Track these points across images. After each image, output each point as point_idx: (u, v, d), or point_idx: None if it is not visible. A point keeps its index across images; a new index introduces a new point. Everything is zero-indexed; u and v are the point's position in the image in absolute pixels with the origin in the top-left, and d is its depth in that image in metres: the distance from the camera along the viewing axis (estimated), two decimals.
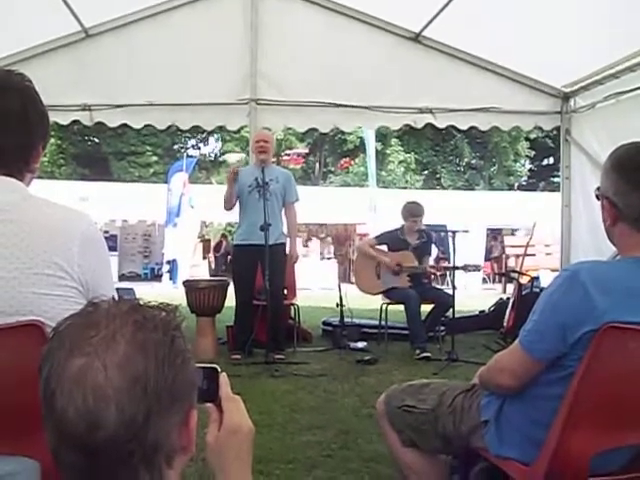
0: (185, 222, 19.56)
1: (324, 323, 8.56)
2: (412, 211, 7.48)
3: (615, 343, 1.81)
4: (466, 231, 8.07)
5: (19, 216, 1.53)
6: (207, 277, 18.35)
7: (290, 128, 8.94)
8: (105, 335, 0.92)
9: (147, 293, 11.46)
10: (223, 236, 25.73)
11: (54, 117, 6.86)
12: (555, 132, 8.37)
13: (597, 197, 2.04)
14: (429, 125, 7.88)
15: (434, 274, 8.42)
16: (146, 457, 0.92)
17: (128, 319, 0.94)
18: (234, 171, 6.71)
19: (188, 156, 25.14)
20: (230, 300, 6.99)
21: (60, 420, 0.89)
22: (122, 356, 0.90)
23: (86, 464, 0.90)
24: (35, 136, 1.67)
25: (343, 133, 28.78)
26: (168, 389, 0.92)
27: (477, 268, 7.96)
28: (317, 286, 16.94)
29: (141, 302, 1.00)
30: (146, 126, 7.84)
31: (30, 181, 1.70)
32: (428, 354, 6.79)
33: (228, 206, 6.84)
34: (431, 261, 8.46)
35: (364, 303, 8.32)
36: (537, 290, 7.67)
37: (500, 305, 8.90)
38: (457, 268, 7.25)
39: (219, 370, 1.22)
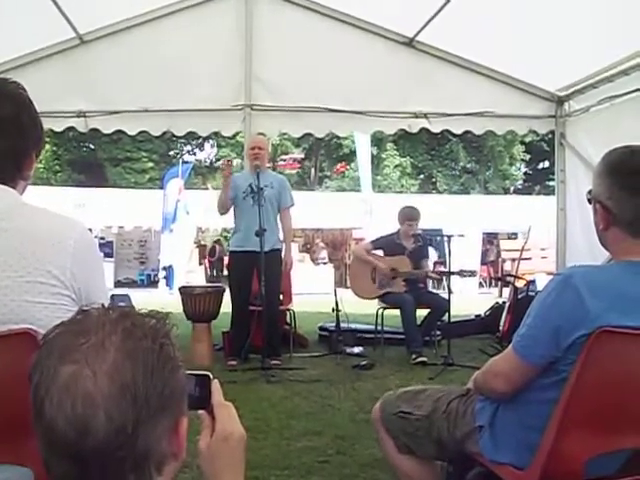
0: (181, 228, 19.54)
1: (320, 328, 8.56)
2: (408, 215, 7.48)
3: (608, 347, 1.81)
4: (462, 235, 8.08)
5: (11, 224, 1.52)
6: (203, 283, 18.34)
7: (285, 133, 8.96)
8: (94, 343, 0.92)
9: (143, 299, 11.44)
10: (216, 242, 25.72)
11: (49, 124, 6.87)
12: (550, 136, 8.39)
13: (589, 201, 2.04)
14: (424, 129, 7.89)
15: (434, 278, 8.38)
16: (136, 464, 0.92)
17: (117, 327, 0.94)
18: (229, 163, 6.70)
19: (184, 162, 25.15)
20: (226, 306, 6.98)
21: (50, 427, 0.89)
22: (111, 364, 0.90)
23: (76, 471, 0.90)
24: (28, 143, 1.67)
25: (338, 138, 28.86)
26: (157, 396, 0.92)
27: (472, 274, 7.95)
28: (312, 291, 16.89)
29: (131, 309, 1.00)
30: (141, 132, 7.84)
31: (24, 189, 1.70)
32: (424, 359, 6.79)
33: (222, 210, 6.82)
34: (430, 265, 8.43)
35: (360, 308, 8.31)
36: (533, 294, 7.67)
37: (496, 309, 8.91)
38: (452, 273, 7.24)
39: (211, 377, 1.22)
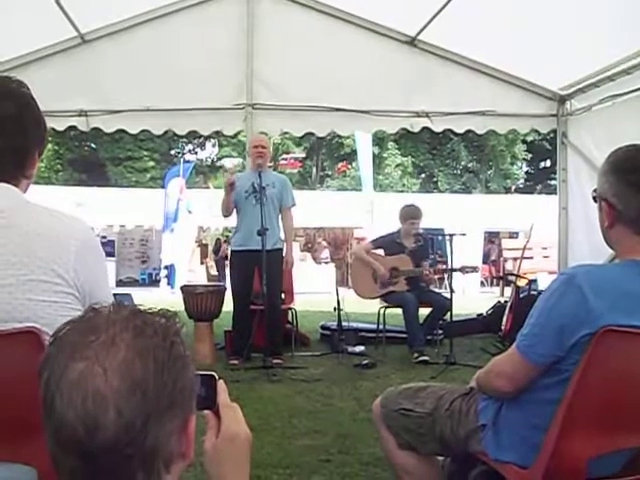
0: (182, 227, 19.55)
1: (322, 327, 8.56)
2: (411, 213, 7.47)
3: (612, 346, 1.81)
4: (463, 234, 8.06)
5: (15, 222, 1.52)
6: (205, 282, 18.35)
7: (287, 132, 8.94)
8: (105, 340, 0.92)
9: (145, 298, 11.45)
10: (223, 240, 25.70)
11: (50, 123, 6.85)
12: (552, 135, 8.38)
13: (594, 199, 2.04)
14: (426, 129, 7.89)
15: (433, 279, 8.30)
16: (145, 462, 0.92)
17: (128, 324, 0.95)
18: (230, 182, 6.67)
19: (185, 161, 25.18)
20: (228, 305, 6.98)
21: (59, 424, 0.89)
22: (122, 361, 0.90)
23: (85, 468, 0.90)
24: (31, 142, 1.67)
25: (340, 137, 28.87)
26: (167, 394, 0.92)
27: (475, 269, 7.95)
28: (314, 290, 16.90)
29: (141, 308, 1.01)
30: (143, 131, 7.83)
31: (26, 188, 1.70)
32: (426, 357, 6.79)
33: (226, 214, 6.85)
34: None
35: (362, 307, 8.31)
36: (535, 293, 7.68)
37: (498, 308, 8.90)
38: (454, 270, 7.25)
39: (217, 377, 1.22)
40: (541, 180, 36.88)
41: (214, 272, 23.95)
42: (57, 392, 0.89)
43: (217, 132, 8.36)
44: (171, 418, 0.94)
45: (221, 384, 1.23)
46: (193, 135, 25.55)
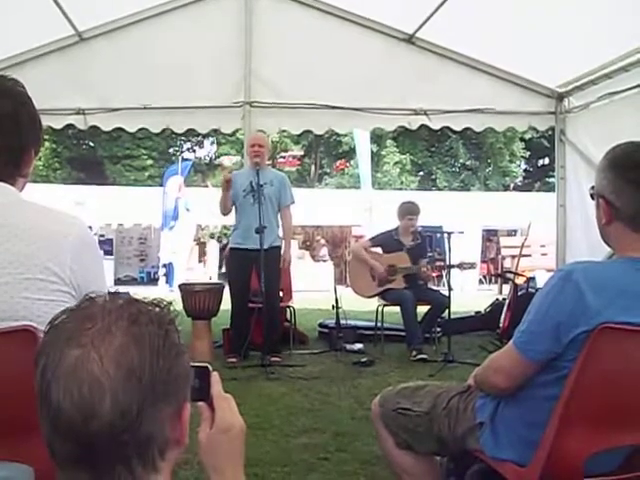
0: (181, 225, 19.53)
1: (320, 325, 8.56)
2: (409, 209, 7.47)
3: (609, 343, 1.81)
4: (461, 232, 8.07)
5: (11, 220, 1.52)
6: (203, 280, 18.32)
7: (285, 130, 8.94)
8: (101, 327, 0.93)
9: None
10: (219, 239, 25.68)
11: (48, 121, 6.88)
12: (550, 132, 8.37)
13: (592, 196, 2.03)
14: (424, 126, 7.88)
15: (430, 276, 8.28)
16: (140, 448, 0.93)
17: (123, 312, 0.96)
18: (227, 179, 6.68)
19: (183, 159, 25.11)
20: (226, 303, 6.98)
21: (56, 411, 0.90)
22: (117, 348, 0.92)
23: (81, 454, 0.91)
24: (27, 140, 1.67)
25: (338, 135, 28.77)
26: (162, 381, 0.94)
27: (472, 266, 7.94)
28: (312, 288, 16.89)
29: (136, 297, 1.02)
30: (141, 130, 7.82)
31: (23, 186, 1.70)
32: (424, 355, 6.79)
33: (224, 212, 6.86)
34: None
35: (360, 305, 8.32)
36: (533, 290, 7.69)
37: (496, 306, 8.90)
38: (452, 266, 7.25)
39: (210, 369, 1.23)
40: (539, 178, 36.83)
41: None
42: (53, 380, 0.90)
43: (215, 130, 8.35)
44: (166, 405, 0.95)
45: (215, 376, 1.24)
46: (191, 133, 25.50)
